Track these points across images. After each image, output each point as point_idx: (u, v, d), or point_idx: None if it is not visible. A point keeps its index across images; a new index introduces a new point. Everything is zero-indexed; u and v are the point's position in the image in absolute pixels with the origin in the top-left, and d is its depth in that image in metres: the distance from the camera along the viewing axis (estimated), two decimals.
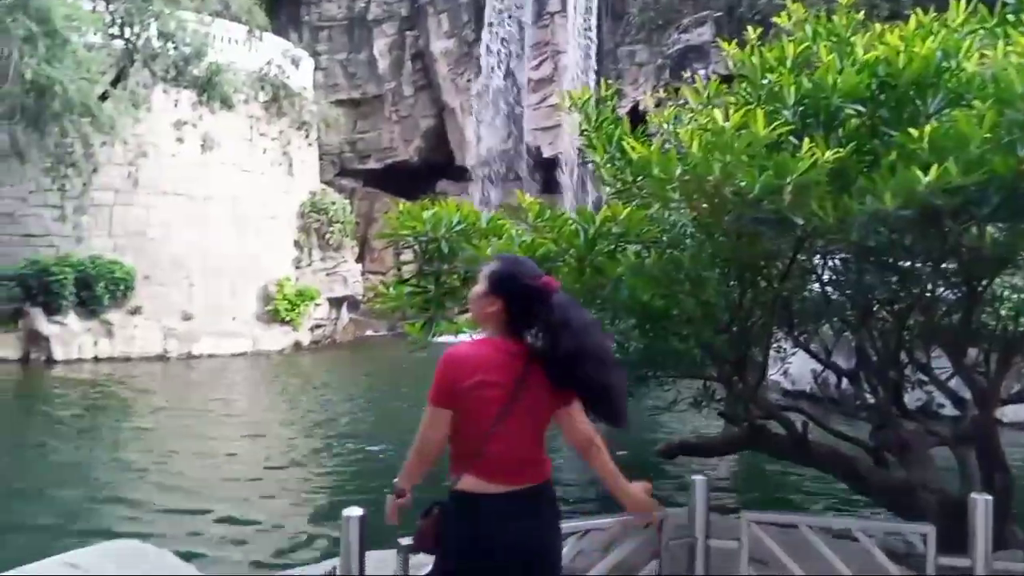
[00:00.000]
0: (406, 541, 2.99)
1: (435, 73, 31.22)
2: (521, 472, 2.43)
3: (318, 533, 6.62)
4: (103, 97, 15.31)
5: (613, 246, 3.96)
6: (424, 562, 3.11)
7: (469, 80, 30.31)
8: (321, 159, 27.45)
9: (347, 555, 2.84)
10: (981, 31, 3.68)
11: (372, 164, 32.33)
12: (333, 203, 25.46)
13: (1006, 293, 4.71)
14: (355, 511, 2.87)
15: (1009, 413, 8.62)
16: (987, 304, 4.68)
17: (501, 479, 2.41)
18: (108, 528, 6.60)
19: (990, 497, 3.10)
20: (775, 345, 5.60)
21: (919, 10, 3.71)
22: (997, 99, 2.88)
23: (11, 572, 3.11)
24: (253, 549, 6.36)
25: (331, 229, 25.04)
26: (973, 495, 3.13)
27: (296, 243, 24.50)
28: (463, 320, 4.70)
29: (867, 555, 3.26)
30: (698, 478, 3.35)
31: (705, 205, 3.40)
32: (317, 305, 24.00)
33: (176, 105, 18.02)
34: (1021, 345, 4.49)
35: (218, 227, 21.68)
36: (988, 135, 2.82)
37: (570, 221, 3.99)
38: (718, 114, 3.07)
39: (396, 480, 2.58)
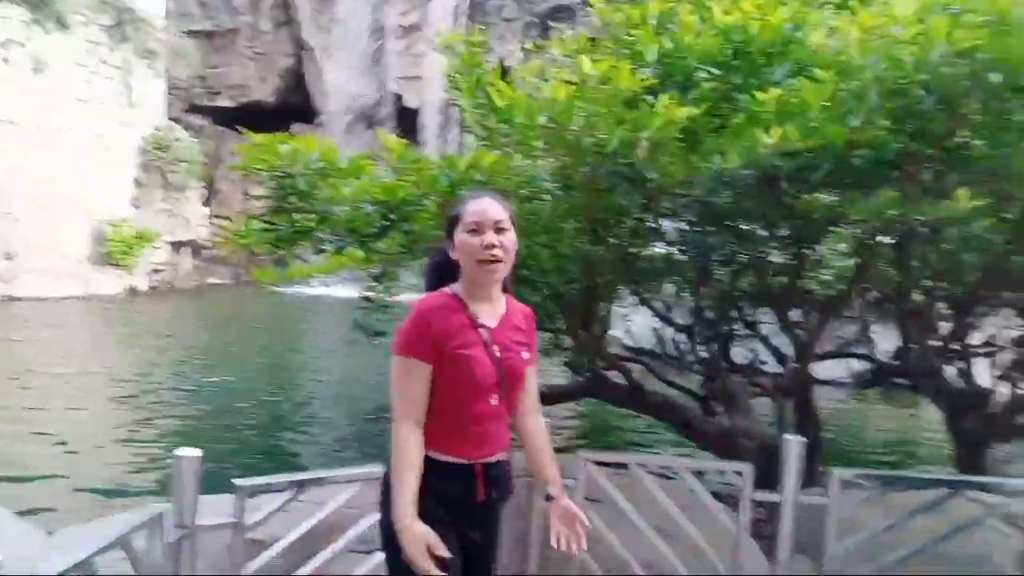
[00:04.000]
0: (243, 483, 2.92)
1: (296, 9, 29.85)
2: None
3: (150, 478, 6.37)
4: None
5: None
6: (256, 505, 3.07)
7: (332, 20, 29.21)
8: (169, 93, 25.70)
9: (179, 497, 2.71)
10: (829, 5, 3.93)
11: (224, 102, 30.65)
12: (179, 140, 23.94)
13: (829, 257, 5.14)
14: (189, 451, 2.75)
15: (822, 370, 9.44)
16: (812, 268, 5.10)
17: None
18: None
19: (803, 439, 3.40)
20: (619, 301, 5.85)
21: None
22: (838, 70, 3.10)
23: None
24: (77, 496, 6.02)
25: (175, 168, 23.57)
26: (787, 436, 3.42)
27: (136, 181, 22.91)
28: (319, 263, 4.61)
29: (691, 492, 3.51)
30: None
31: (565, 155, 3.47)
32: (156, 248, 22.70)
33: (3, 22, 16.28)
34: (838, 307, 4.91)
35: (48, 158, 19.88)
36: (827, 104, 3.03)
37: (433, 166, 3.96)
38: (585, 60, 3.12)
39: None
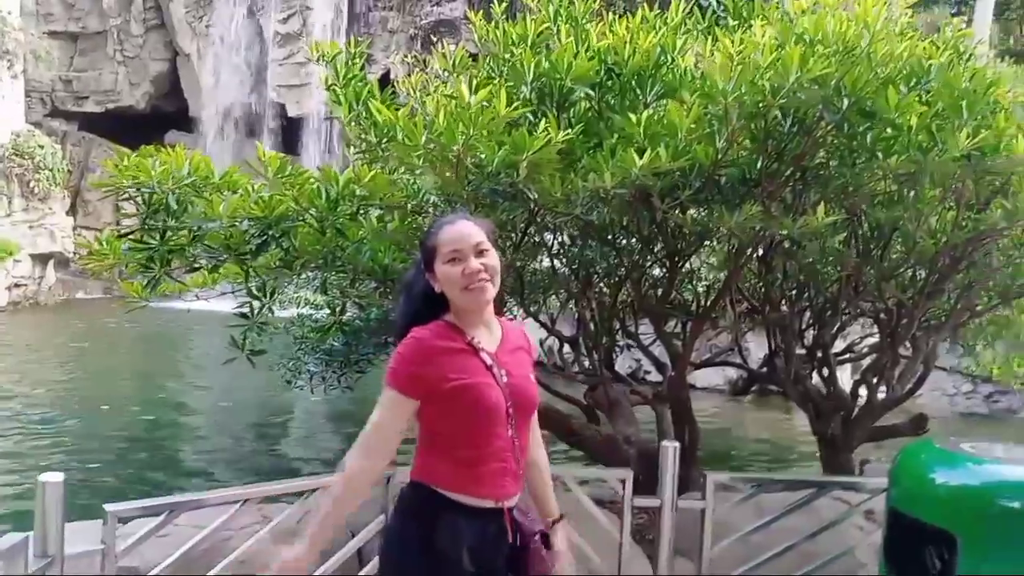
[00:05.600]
0: (114, 508, 2.80)
1: (169, 13, 28.65)
2: None
3: (15, 507, 5.96)
4: None
5: (356, 208, 3.94)
6: (131, 532, 2.94)
7: (208, 26, 28.20)
8: (28, 96, 24.16)
9: (43, 525, 2.58)
10: (695, 31, 4.14)
11: (90, 107, 29.02)
12: (41, 147, 22.49)
13: (702, 271, 5.39)
14: (53, 476, 2.62)
15: (700, 378, 9.84)
16: (686, 279, 5.33)
17: None
18: None
19: (677, 444, 3.55)
20: (507, 314, 5.92)
21: (646, 5, 4.08)
22: (703, 94, 3.26)
23: None
24: None
25: (37, 176, 22.11)
26: (664, 443, 3.56)
27: None
28: (191, 279, 4.44)
29: (575, 500, 3.59)
30: None
31: (448, 174, 3.49)
32: (17, 261, 21.24)
33: None
34: (710, 317, 5.14)
35: None
36: (693, 126, 3.19)
37: (312, 180, 3.91)
38: (464, 89, 3.17)
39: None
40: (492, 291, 2.09)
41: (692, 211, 3.87)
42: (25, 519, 2.60)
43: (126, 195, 4.09)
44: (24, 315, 20.12)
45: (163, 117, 28.45)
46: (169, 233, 3.90)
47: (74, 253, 23.23)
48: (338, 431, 8.98)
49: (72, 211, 25.08)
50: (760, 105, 3.25)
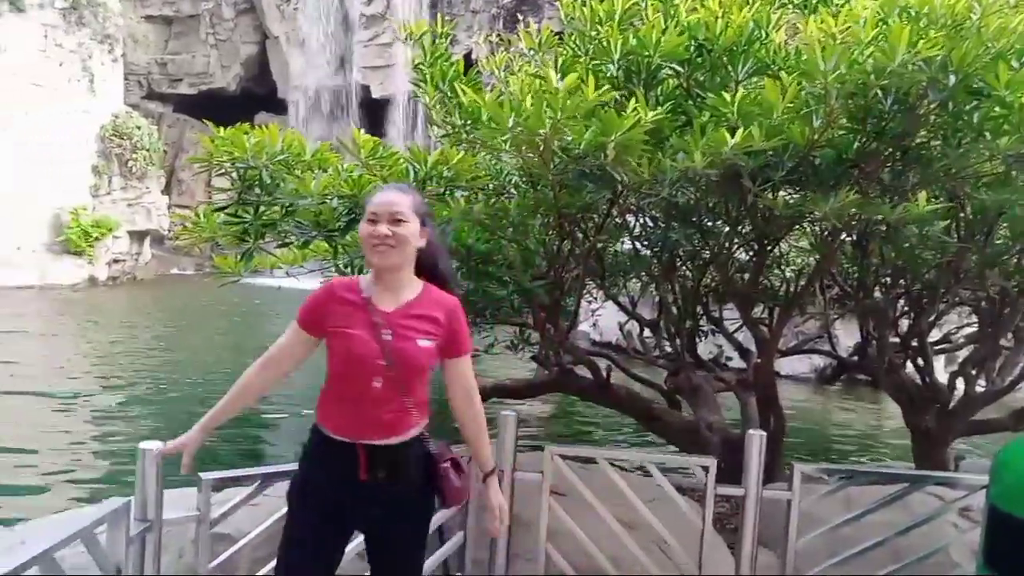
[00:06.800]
0: (208, 476, 2.90)
1: None
2: None
3: (120, 471, 6.29)
4: None
5: (442, 189, 3.96)
6: (223, 499, 3.04)
7: (296, 8, 28.83)
8: (126, 79, 25.20)
9: (143, 491, 2.69)
10: (791, 5, 3.98)
11: (184, 89, 30.12)
12: (139, 128, 23.48)
13: (791, 255, 5.22)
14: (152, 444, 2.72)
15: (785, 366, 9.60)
16: (774, 264, 5.18)
17: None
18: None
19: (764, 433, 3.46)
20: (587, 296, 5.88)
21: None
22: (801, 72, 3.14)
23: None
24: (43, 488, 5.93)
25: (135, 156, 23.12)
26: (750, 431, 3.47)
27: (95, 169, 22.44)
28: (281, 254, 4.55)
29: (657, 486, 3.55)
30: (507, 413, 3.48)
31: (533, 156, 3.47)
32: (116, 238, 22.28)
33: None
34: (799, 303, 4.99)
35: (3, 145, 19.43)
36: (790, 105, 3.07)
37: (401, 160, 3.94)
38: (552, 75, 3.13)
39: (489, 466, 2.52)
40: (394, 257, 2.29)
41: (783, 193, 3.75)
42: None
43: (220, 172, 4.22)
44: (122, 289, 21.10)
45: (252, 98, 29.31)
46: (262, 208, 4.01)
47: (168, 230, 24.22)
48: None
49: (167, 190, 26.16)
50: (861, 84, 3.10)
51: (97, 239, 21.28)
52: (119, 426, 7.88)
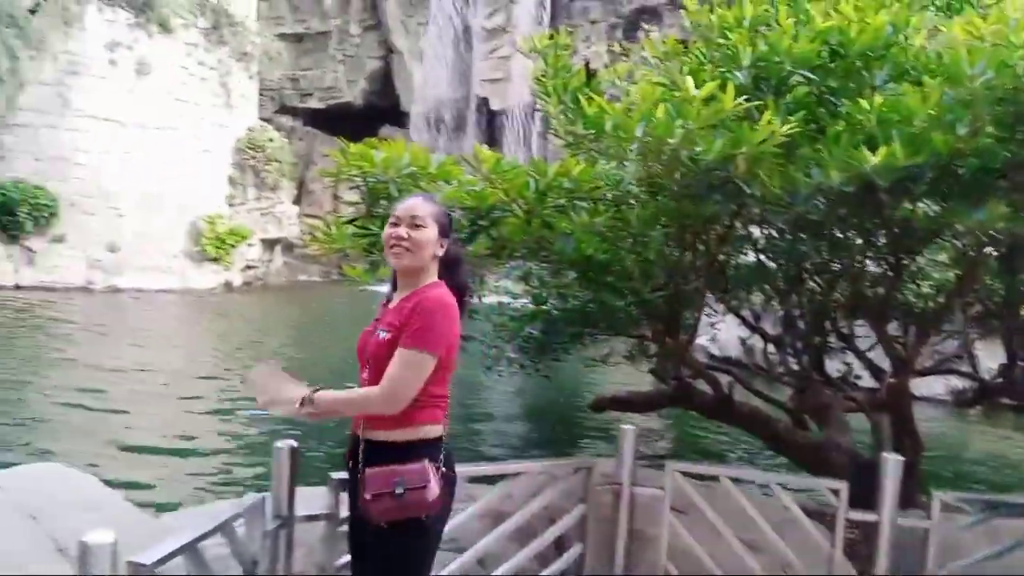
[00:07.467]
0: (339, 476, 2.99)
1: (384, 13, 30.44)
2: None
3: (253, 465, 6.59)
4: (33, 11, 14.52)
5: (564, 201, 3.98)
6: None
7: (420, 24, 29.67)
8: (260, 94, 26.62)
9: (277, 487, 2.81)
10: (932, 7, 3.78)
11: (314, 103, 31.52)
12: (271, 140, 24.75)
13: (929, 269, 4.93)
14: (286, 442, 2.84)
15: (920, 387, 9.04)
16: (911, 278, 4.90)
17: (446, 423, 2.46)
18: (30, 453, 6.46)
19: (901, 457, 3.28)
20: (706, 309, 5.75)
21: None
22: (944, 77, 2.97)
23: None
24: (182, 480, 6.30)
25: (268, 168, 24.37)
26: (885, 454, 3.30)
27: (231, 180, 23.80)
28: None
29: (782, 508, 3.42)
30: (627, 427, 3.45)
31: (658, 166, 3.43)
32: (250, 245, 23.50)
33: (111, 25, 17.18)
34: (938, 321, 4.71)
35: (150, 157, 20.89)
36: (932, 112, 2.91)
37: (523, 172, 3.98)
38: (689, 82, 3.08)
39: (317, 394, 2.32)
40: (407, 259, 2.39)
41: (923, 204, 3.55)
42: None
43: (348, 184, 4.39)
44: (255, 294, 22.21)
45: (376, 112, 30.33)
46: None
47: (298, 238, 25.36)
48: (527, 416, 9.19)
49: (297, 200, 27.38)
50: (1011, 88, 2.91)
51: (232, 246, 22.51)
52: (250, 425, 8.28)
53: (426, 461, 2.28)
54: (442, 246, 2.45)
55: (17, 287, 18.04)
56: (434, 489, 2.25)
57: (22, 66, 15.21)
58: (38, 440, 7.13)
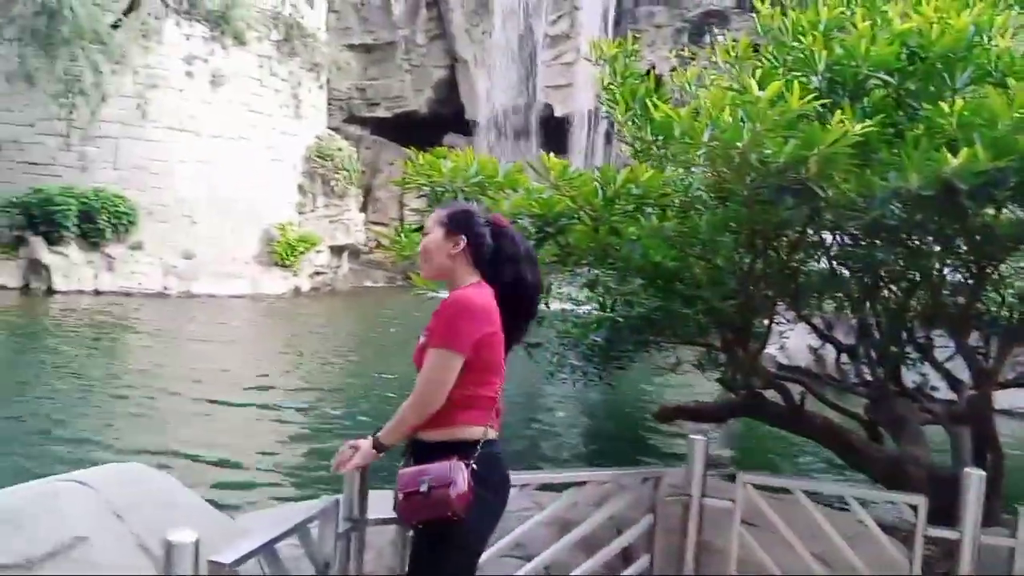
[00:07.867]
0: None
1: (449, 22, 30.77)
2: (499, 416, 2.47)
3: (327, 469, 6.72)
4: (115, 26, 15.14)
5: (632, 207, 3.96)
6: None
7: (484, 32, 29.90)
8: (329, 104, 27.18)
9: (350, 491, 2.86)
10: (1018, 6, 3.64)
11: (381, 112, 32.01)
12: (340, 149, 25.26)
13: (1013, 278, 4.73)
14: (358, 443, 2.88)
15: (1001, 399, 8.67)
16: (993, 287, 4.72)
17: (497, 425, 2.45)
18: (110, 455, 6.70)
19: (983, 473, 3.16)
20: (776, 317, 5.63)
21: None
22: None
23: (25, 484, 3.16)
24: (256, 483, 6.45)
25: (336, 176, 24.87)
26: (967, 469, 3.19)
27: (300, 188, 24.36)
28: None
29: (857, 522, 3.33)
30: (697, 438, 3.41)
31: (727, 170, 3.39)
32: (318, 252, 23.99)
33: (188, 39, 17.79)
34: (1022, 330, 4.52)
35: (223, 166, 21.54)
36: (1017, 115, 2.81)
37: (590, 180, 3.98)
38: (753, 84, 3.04)
39: (379, 433, 2.41)
40: (425, 269, 2.53)
41: (1007, 210, 3.43)
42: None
43: (414, 192, 4.45)
44: (323, 300, 22.64)
45: (441, 119, 30.63)
46: None
47: (364, 245, 25.79)
48: (590, 425, 9.14)
49: (364, 207, 27.85)
50: None
51: (301, 253, 23.01)
52: (323, 426, 8.45)
53: (454, 459, 2.27)
54: (456, 244, 2.43)
55: (97, 292, 18.78)
56: (460, 486, 2.22)
57: (104, 80, 15.85)
58: (123, 439, 7.41)
